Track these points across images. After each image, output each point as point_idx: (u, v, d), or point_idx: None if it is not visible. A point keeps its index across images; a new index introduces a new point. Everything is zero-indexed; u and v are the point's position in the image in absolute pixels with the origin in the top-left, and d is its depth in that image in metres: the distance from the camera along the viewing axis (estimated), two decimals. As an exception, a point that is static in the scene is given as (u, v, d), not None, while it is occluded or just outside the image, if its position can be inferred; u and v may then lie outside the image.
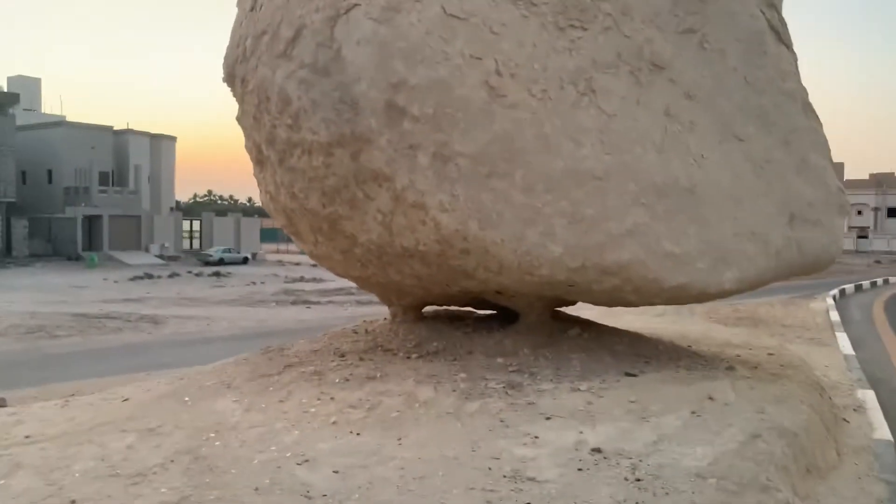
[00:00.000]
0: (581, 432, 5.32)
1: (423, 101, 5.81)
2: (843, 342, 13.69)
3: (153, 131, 57.73)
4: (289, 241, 66.61)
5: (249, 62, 6.56)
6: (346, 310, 23.43)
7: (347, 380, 6.62)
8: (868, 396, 8.71)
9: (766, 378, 6.94)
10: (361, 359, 7.33)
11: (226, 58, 7.04)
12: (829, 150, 7.01)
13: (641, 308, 8.79)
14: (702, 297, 6.70)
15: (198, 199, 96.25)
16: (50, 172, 50.75)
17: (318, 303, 25.85)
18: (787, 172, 6.73)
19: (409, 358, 7.37)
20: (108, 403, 6.59)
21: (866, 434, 6.83)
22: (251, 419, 5.69)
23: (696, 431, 5.35)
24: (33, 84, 60.44)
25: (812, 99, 7.26)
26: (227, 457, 4.92)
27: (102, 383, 10.68)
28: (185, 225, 55.18)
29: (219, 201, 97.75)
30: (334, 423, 5.54)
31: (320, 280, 33.82)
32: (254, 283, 34.17)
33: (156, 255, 48.50)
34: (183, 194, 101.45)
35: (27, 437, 5.67)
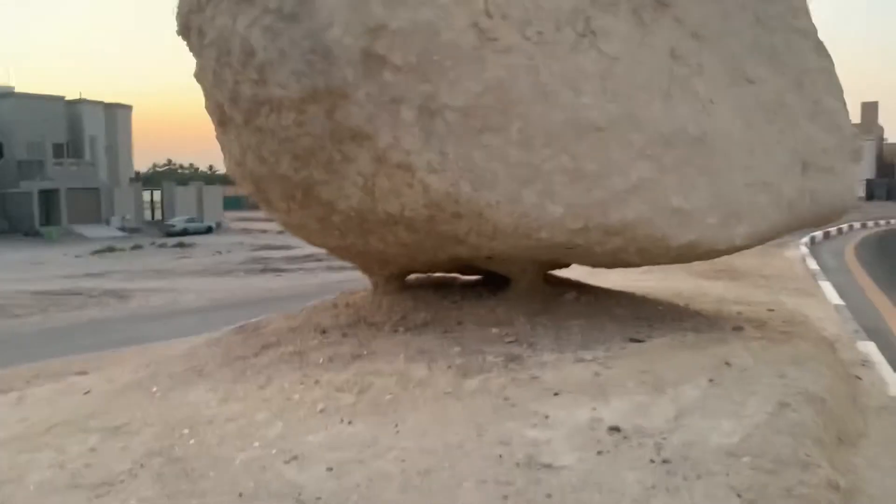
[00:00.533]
0: (594, 409, 4.85)
1: (405, 48, 5.18)
2: (829, 292, 13.49)
3: (107, 100, 55.62)
4: (254, 208, 65.00)
5: (206, 11, 5.83)
6: (317, 277, 22.94)
7: (332, 359, 6.07)
8: (870, 349, 8.42)
9: (776, 338, 6.54)
10: (345, 335, 6.78)
11: (179, 7, 6.29)
12: (842, 91, 6.53)
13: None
14: (711, 254, 6.24)
15: (157, 168, 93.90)
16: (0, 146, 48.69)
17: (287, 270, 25.28)
18: (799, 117, 6.24)
19: (395, 332, 6.83)
20: (67, 398, 5.96)
21: (881, 391, 6.49)
22: (229, 410, 5.12)
23: (719, 402, 4.92)
24: (-25, 54, 57.67)
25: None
26: (204, 457, 4.37)
27: (66, 363, 10.08)
28: (146, 196, 53.82)
29: (179, 170, 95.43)
30: (322, 410, 5.00)
31: (288, 247, 33.09)
32: (219, 253, 33.47)
33: (117, 228, 47.20)
34: (142, 164, 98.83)
35: (-26, 442, 5.05)
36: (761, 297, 10.58)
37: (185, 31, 6.30)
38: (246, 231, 48.35)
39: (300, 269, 25.23)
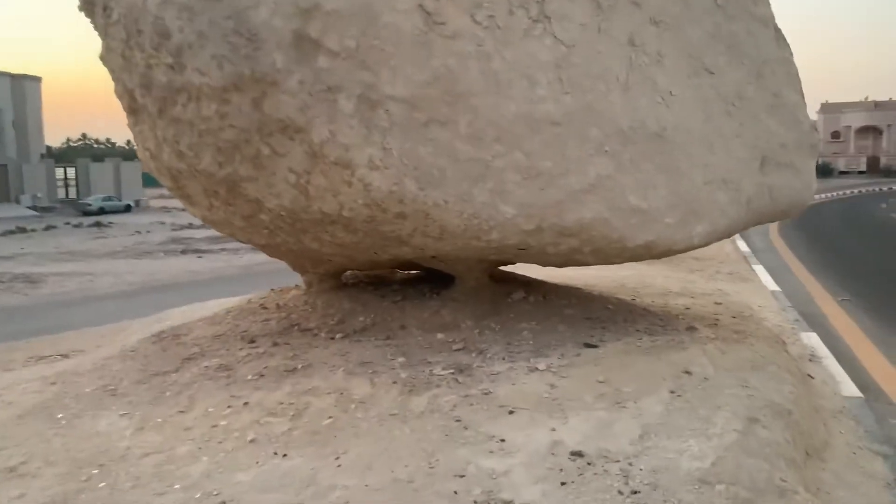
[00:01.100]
0: (553, 429, 4.47)
1: (342, 32, 4.61)
2: (764, 276, 13.60)
3: (14, 71, 52.16)
4: (176, 185, 62.79)
5: (111, -17, 5.11)
6: (241, 258, 22.12)
7: (262, 375, 5.51)
8: (814, 341, 8.38)
9: (730, 338, 6.32)
10: (275, 343, 6.21)
11: (79, -22, 5.52)
12: (800, 84, 6.29)
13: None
14: (667, 253, 5.94)
15: (71, 143, 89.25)
16: None
17: (209, 251, 24.31)
18: (759, 110, 5.96)
19: (332, 339, 6.30)
20: (-45, 428, 5.22)
21: (834, 392, 6.37)
22: (145, 442, 4.52)
23: (683, 418, 4.61)
24: None
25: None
26: (115, 506, 3.79)
27: None
28: (59, 173, 51.02)
29: (95, 145, 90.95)
30: (252, 441, 4.46)
31: (211, 227, 31.73)
32: (139, 233, 32.07)
33: (28, 207, 44.58)
34: (54, 139, 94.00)
35: None
36: (702, 285, 10.48)
37: (87, 6, 5.54)
38: (166, 209, 46.41)
39: (223, 249, 24.23)
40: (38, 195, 46.25)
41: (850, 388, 6.44)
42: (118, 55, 5.29)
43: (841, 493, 4.41)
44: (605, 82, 5.17)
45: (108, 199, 46.22)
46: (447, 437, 4.43)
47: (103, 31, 5.47)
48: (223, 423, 4.72)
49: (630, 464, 4.08)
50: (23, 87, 52.19)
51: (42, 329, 11.64)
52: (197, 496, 3.84)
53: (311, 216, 5.47)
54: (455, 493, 3.82)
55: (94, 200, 45.16)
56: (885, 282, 13.83)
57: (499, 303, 6.74)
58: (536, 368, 5.41)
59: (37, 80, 54.52)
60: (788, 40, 6.26)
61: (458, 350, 5.84)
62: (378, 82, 4.77)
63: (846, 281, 13.58)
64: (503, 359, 5.62)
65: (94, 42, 5.85)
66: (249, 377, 5.45)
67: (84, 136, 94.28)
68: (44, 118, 55.17)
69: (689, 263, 15.12)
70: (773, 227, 25.87)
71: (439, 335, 6.17)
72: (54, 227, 35.30)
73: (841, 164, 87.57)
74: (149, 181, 56.98)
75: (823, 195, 45.11)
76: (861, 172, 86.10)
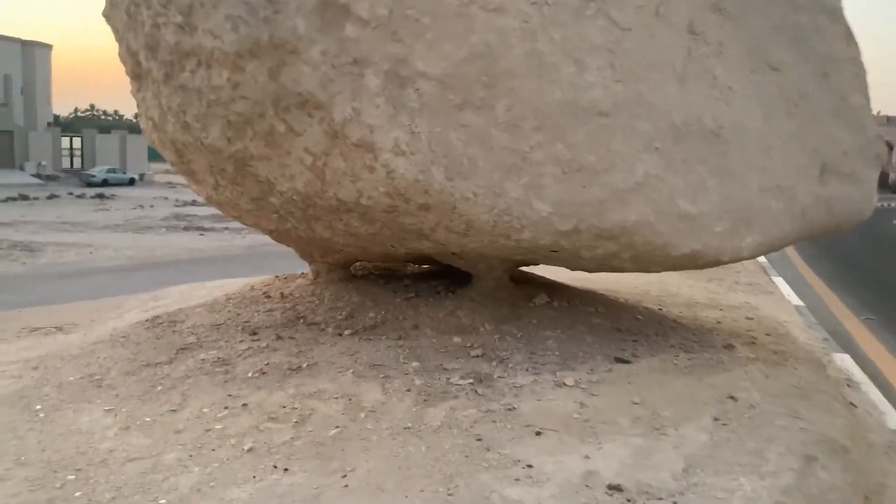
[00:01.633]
0: (587, 457, 3.99)
1: (374, -2, 4.11)
2: (785, 289, 13.07)
3: (24, 38, 51.58)
4: (182, 162, 62.15)
5: (118, -68, 4.60)
6: (244, 238, 21.73)
7: (264, 372, 5.03)
8: (847, 363, 7.88)
9: (770, 359, 5.83)
10: (279, 337, 5.73)
11: (85, -74, 5.00)
12: (867, 87, 5.77)
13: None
14: (711, 264, 5.45)
15: (79, 113, 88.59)
16: None
17: (212, 229, 23.88)
18: (822, 113, 5.45)
19: (340, 335, 5.82)
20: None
21: (881, 424, 5.87)
22: (130, 445, 4.04)
23: (731, 450, 4.13)
24: None
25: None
26: (90, 522, 3.31)
27: None
28: (65, 142, 50.54)
29: (102, 116, 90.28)
30: (250, 450, 3.98)
31: (215, 208, 31.32)
32: (141, 207, 31.69)
33: (32, 175, 44.13)
34: (62, 108, 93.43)
35: None
36: (728, 297, 9.97)
37: (92, -44, 5.03)
38: (170, 185, 45.88)
39: (226, 228, 23.79)
40: (43, 163, 45.79)
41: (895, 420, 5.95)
42: (122, 11, 4.79)
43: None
44: (659, 72, 4.66)
45: (113, 171, 45.77)
46: (467, 458, 3.95)
47: (108, -15, 4.97)
48: (218, 426, 4.25)
49: (675, 503, 3.60)
50: (33, 54, 51.62)
51: (38, 299, 11.31)
52: (184, 514, 3.37)
53: (325, 202, 4.98)
54: (477, 527, 3.35)
55: (98, 172, 44.70)
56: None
57: (520, 306, 6.25)
58: (564, 383, 4.93)
59: (47, 47, 53.93)
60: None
61: (477, 357, 5.35)
62: (410, 57, 4.28)
63: (865, 297, 13.05)
64: (527, 370, 5.14)
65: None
66: (250, 374, 4.97)
67: (92, 106, 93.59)
68: (52, 87, 54.68)
69: (707, 272, 14.53)
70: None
71: (455, 338, 5.68)
72: (57, 196, 34.93)
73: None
74: (154, 155, 56.55)
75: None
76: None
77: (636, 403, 4.66)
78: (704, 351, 5.71)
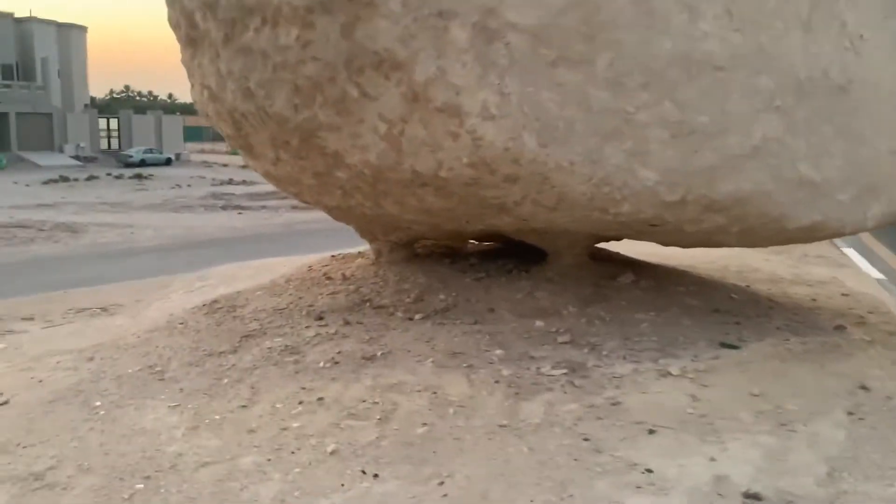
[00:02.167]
0: (713, 459, 3.51)
1: (462, -61, 3.59)
2: (859, 261, 12.34)
3: (60, 20, 51.76)
4: (217, 139, 62.47)
5: None
6: (281, 216, 21.66)
7: (336, 362, 4.61)
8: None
9: (890, 342, 5.26)
10: (346, 322, 5.31)
11: None
12: None
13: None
14: (830, 236, 4.92)
15: (114, 95, 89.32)
16: (-58, 65, 45.10)
17: (249, 208, 23.84)
18: (960, 64, 4.84)
19: (411, 320, 5.38)
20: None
21: None
22: (201, 447, 3.65)
23: (876, 450, 3.60)
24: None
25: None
26: (165, 540, 2.93)
27: (10, 306, 8.59)
28: (102, 123, 50.77)
29: (137, 98, 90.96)
30: (333, 452, 3.56)
31: (251, 183, 31.53)
32: (178, 187, 31.79)
33: (71, 157, 44.45)
34: (97, 90, 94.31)
35: None
36: (809, 271, 9.31)
37: None
38: (206, 164, 46.04)
39: (263, 206, 23.74)
40: (82, 145, 46.07)
41: None
42: (176, -33, 4.34)
43: None
44: (782, 19, 4.08)
45: (149, 151, 45.91)
46: (576, 461, 3.49)
47: (158, -61, 4.51)
48: (295, 424, 3.84)
49: (825, 515, 3.11)
50: (68, 36, 51.81)
51: (82, 280, 11.24)
52: (269, 531, 2.97)
53: (399, 175, 4.51)
54: (603, 545, 2.90)
55: (135, 152, 44.88)
56: None
57: (604, 286, 5.75)
58: (668, 373, 4.43)
59: (82, 29, 54.09)
60: None
61: (566, 343, 4.87)
62: (500, 6, 3.77)
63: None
64: (623, 357, 4.65)
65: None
66: (321, 364, 4.56)
67: (127, 87, 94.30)
68: (88, 68, 54.94)
69: (777, 247, 13.88)
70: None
71: (538, 322, 5.21)
72: (96, 177, 35.15)
73: None
74: (189, 135, 56.72)
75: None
76: None
77: (755, 395, 4.15)
78: (815, 333, 5.15)
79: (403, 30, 3.75)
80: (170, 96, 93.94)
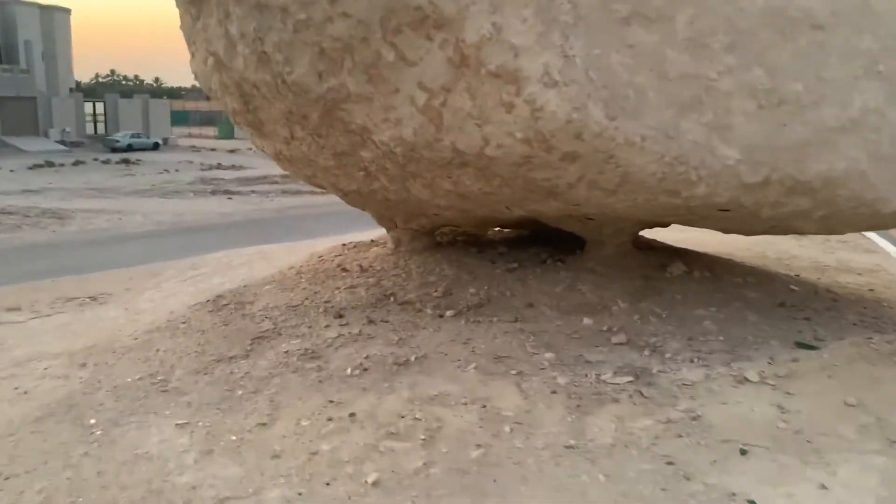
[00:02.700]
0: (823, 486, 2.97)
1: None
2: (884, 244, 11.87)
3: (43, 2, 50.46)
4: (204, 123, 61.21)
5: None
6: (273, 201, 21.12)
7: (365, 368, 4.04)
8: None
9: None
10: (371, 320, 4.73)
11: None
12: None
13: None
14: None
15: (100, 79, 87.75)
16: (-79, 48, 43.86)
17: (239, 193, 23.24)
18: None
19: (441, 317, 4.81)
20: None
21: None
22: (217, 477, 3.08)
23: None
24: None
25: None
26: None
27: None
28: (88, 108, 49.69)
29: (123, 82, 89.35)
30: (375, 483, 3.00)
31: (239, 167, 31.02)
32: (167, 171, 31.06)
33: (56, 141, 43.45)
34: (82, 74, 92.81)
35: None
36: (847, 257, 8.78)
37: None
38: (194, 149, 45.19)
39: (252, 191, 23.20)
40: (67, 130, 45.07)
41: None
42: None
43: None
44: (890, -31, 3.50)
45: (136, 135, 45.01)
46: (665, 491, 2.95)
47: None
48: (325, 447, 3.27)
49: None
50: (52, 19, 50.51)
51: (70, 268, 10.65)
52: (309, 591, 2.40)
53: (435, 154, 3.92)
54: None
55: (122, 137, 43.96)
56: None
57: (653, 278, 5.20)
58: (746, 378, 3.88)
59: (66, 11, 52.79)
60: None
61: (622, 344, 4.31)
62: (566, -47, 3.17)
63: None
64: (691, 361, 4.10)
65: None
66: (348, 371, 3.99)
67: (112, 71, 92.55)
68: (73, 52, 53.72)
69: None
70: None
71: (585, 319, 4.65)
72: (83, 162, 34.31)
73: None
74: (176, 119, 55.66)
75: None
76: None
77: (851, 406, 3.61)
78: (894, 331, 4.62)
79: (452, -21, 3.15)
80: (156, 80, 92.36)
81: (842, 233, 4.73)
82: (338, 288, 5.38)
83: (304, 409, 3.61)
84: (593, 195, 4.02)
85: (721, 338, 4.37)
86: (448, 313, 4.86)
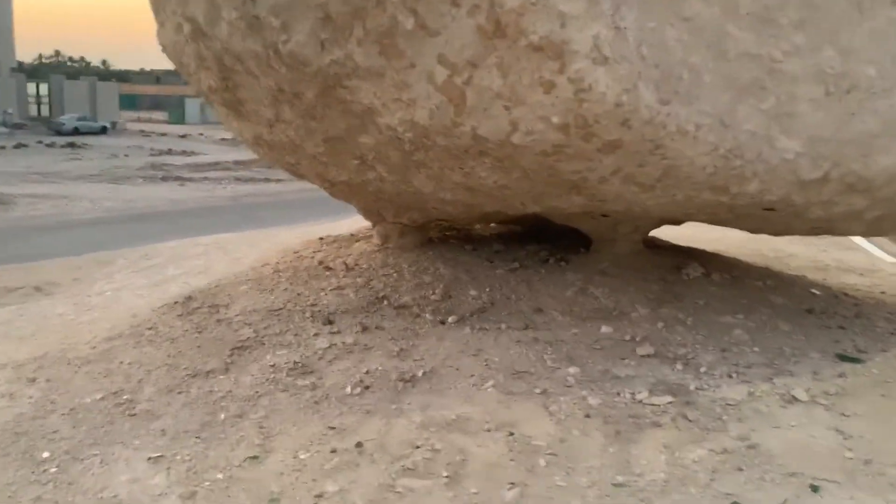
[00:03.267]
0: (910, 529, 2.58)
1: None
2: (863, 243, 11.77)
3: (-20, -24, 47.98)
4: (154, 107, 59.12)
5: None
6: (226, 188, 20.47)
7: (367, 386, 3.51)
8: None
9: None
10: (364, 327, 4.21)
11: None
12: None
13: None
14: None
15: (44, 59, 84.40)
16: None
17: (191, 179, 22.44)
18: None
19: (443, 323, 4.32)
20: None
21: None
22: (203, 529, 2.53)
23: None
24: None
25: None
26: None
27: None
28: (31, 89, 47.58)
29: (68, 63, 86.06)
30: (397, 535, 2.50)
31: (190, 153, 30.11)
32: (115, 156, 29.89)
33: (-4, 124, 41.45)
34: (25, 55, 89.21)
35: None
36: (838, 256, 8.55)
37: None
38: (144, 133, 43.66)
39: (205, 178, 22.46)
40: (9, 111, 42.98)
41: None
42: None
43: None
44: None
45: (83, 119, 43.16)
46: (737, 539, 2.51)
47: None
48: (331, 488, 2.74)
49: None
50: (-9, -5, 48.21)
51: (13, 256, 9.91)
52: None
53: (452, 141, 3.41)
54: None
55: (67, 120, 42.10)
56: None
57: (671, 281, 4.78)
58: (794, 398, 3.48)
59: (6, -13, 50.41)
60: None
61: (650, 357, 3.88)
62: None
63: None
64: (730, 376, 3.68)
65: None
66: (348, 390, 3.46)
67: (57, 52, 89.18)
68: (14, 31, 51.31)
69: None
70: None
71: (603, 327, 4.20)
72: (25, 145, 32.75)
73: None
74: (124, 103, 53.76)
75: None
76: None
77: (915, 428, 3.24)
78: (932, 340, 4.29)
79: (490, -68, 2.64)
80: (103, 63, 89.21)
81: (886, 235, 4.37)
82: (323, 289, 4.83)
83: (301, 437, 3.08)
84: (627, 191, 3.56)
85: (756, 349, 3.96)
86: (450, 319, 4.37)
